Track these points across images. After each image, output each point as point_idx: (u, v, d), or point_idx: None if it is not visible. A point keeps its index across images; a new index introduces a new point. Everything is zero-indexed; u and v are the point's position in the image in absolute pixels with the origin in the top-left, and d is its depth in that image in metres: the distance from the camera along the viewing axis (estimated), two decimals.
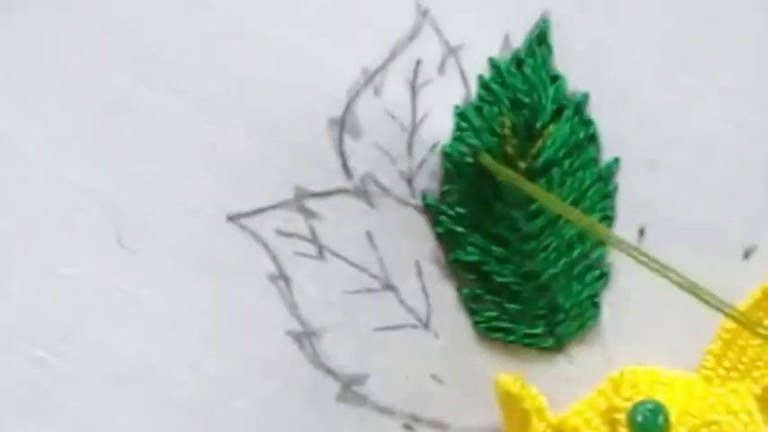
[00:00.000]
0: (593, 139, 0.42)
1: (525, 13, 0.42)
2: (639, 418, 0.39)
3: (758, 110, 0.41)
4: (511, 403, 0.39)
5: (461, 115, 0.42)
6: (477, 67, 0.42)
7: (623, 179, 0.42)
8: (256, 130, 0.41)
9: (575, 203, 0.42)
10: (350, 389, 0.41)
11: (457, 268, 0.41)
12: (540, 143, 0.42)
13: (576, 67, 0.42)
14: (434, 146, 0.42)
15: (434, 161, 0.42)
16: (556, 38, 0.42)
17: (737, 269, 0.41)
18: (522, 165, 0.41)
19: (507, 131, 0.41)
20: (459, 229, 0.41)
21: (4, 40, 0.41)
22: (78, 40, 0.41)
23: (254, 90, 0.41)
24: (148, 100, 0.41)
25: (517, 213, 0.42)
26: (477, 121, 0.42)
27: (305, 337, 0.41)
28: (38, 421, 0.40)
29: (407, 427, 0.41)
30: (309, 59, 0.41)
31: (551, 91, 0.42)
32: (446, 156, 0.42)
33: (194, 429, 0.41)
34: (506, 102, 0.42)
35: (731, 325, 0.41)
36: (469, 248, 0.41)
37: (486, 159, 0.41)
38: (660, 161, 0.42)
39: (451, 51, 0.42)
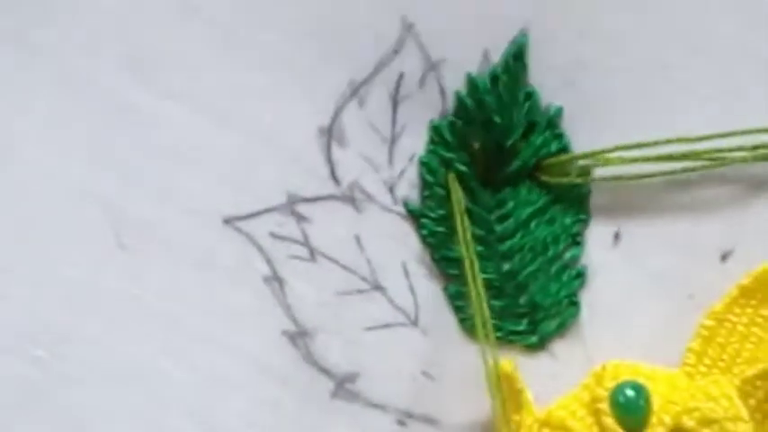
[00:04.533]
0: (564, 151, 0.43)
1: (505, 28, 0.43)
2: (621, 399, 0.39)
3: (735, 119, 0.43)
4: (505, 385, 0.40)
5: (435, 130, 0.43)
6: (459, 82, 0.43)
7: (598, 183, 0.43)
8: (251, 136, 0.43)
9: (547, 206, 0.43)
10: (343, 386, 0.42)
11: (442, 266, 0.43)
12: (508, 161, 0.43)
13: (552, 80, 0.43)
14: (413, 157, 0.43)
15: (413, 171, 0.43)
16: (534, 52, 0.43)
17: (714, 271, 0.42)
18: (490, 179, 0.43)
19: (477, 153, 0.43)
20: (442, 229, 0.43)
21: (4, 41, 0.42)
22: (78, 44, 0.42)
23: (248, 97, 0.43)
24: (146, 104, 0.42)
25: (489, 216, 0.43)
26: (450, 137, 0.43)
27: (299, 336, 0.42)
28: (38, 421, 0.40)
29: (400, 422, 0.42)
30: (300, 69, 0.43)
31: (523, 109, 0.43)
32: (424, 165, 0.43)
33: (191, 428, 0.41)
34: (479, 121, 0.43)
35: (710, 323, 0.42)
36: (453, 246, 0.43)
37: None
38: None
39: (432, 66, 0.43)
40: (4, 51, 0.42)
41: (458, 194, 0.42)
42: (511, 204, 0.43)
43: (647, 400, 0.39)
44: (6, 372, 0.41)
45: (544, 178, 0.43)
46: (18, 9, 0.42)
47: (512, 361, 0.40)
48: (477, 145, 0.43)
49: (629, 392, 0.39)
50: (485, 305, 0.41)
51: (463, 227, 0.42)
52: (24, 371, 0.41)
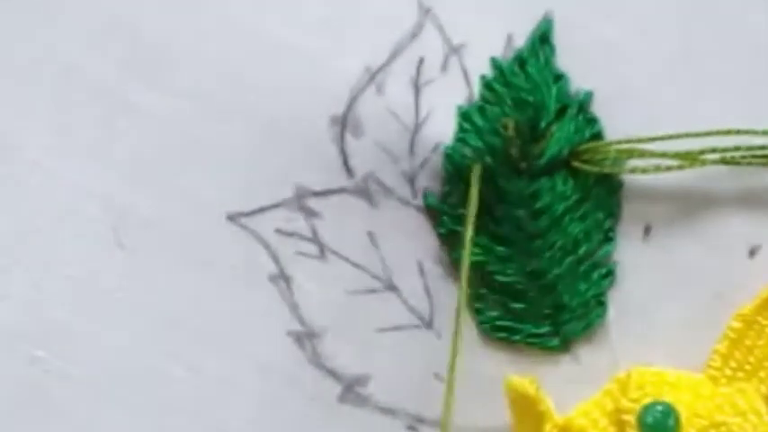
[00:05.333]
0: (598, 137, 0.41)
1: (528, 12, 0.42)
2: (650, 420, 0.39)
3: (762, 105, 0.41)
4: (524, 405, 0.39)
5: (464, 115, 0.42)
6: (480, 67, 0.42)
7: (629, 176, 0.41)
8: (257, 129, 0.42)
9: (580, 201, 0.41)
10: (352, 390, 0.41)
11: (460, 266, 0.41)
12: (543, 143, 0.41)
13: (579, 65, 0.41)
14: (436, 146, 0.42)
15: (436, 161, 0.42)
16: (559, 36, 0.42)
17: (743, 267, 0.41)
18: (524, 165, 0.41)
19: (511, 133, 0.41)
20: (462, 228, 0.41)
21: (4, 40, 0.42)
22: (78, 40, 0.42)
23: (255, 88, 0.42)
24: (149, 99, 0.42)
25: (521, 213, 0.41)
26: (480, 122, 0.41)
27: (306, 337, 0.41)
28: (38, 421, 0.41)
29: (411, 428, 0.41)
30: (311, 57, 0.42)
31: (554, 90, 0.41)
32: (448, 157, 0.41)
33: (194, 430, 0.41)
34: (509, 101, 0.41)
35: (738, 324, 0.40)
36: (472, 248, 0.41)
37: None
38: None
39: (454, 50, 0.42)
40: (4, 51, 0.42)
41: (475, 192, 0.40)
42: (547, 198, 0.41)
43: (676, 420, 0.39)
44: (6, 372, 0.41)
45: (578, 165, 0.41)
46: (19, 9, 0.42)
47: (535, 380, 0.39)
48: (511, 126, 0.41)
49: (658, 414, 0.39)
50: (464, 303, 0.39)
51: (469, 226, 0.40)
52: (24, 371, 0.41)
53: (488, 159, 0.41)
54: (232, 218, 0.41)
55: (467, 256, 0.40)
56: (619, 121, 0.41)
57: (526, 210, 0.41)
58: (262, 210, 0.41)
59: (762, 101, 0.41)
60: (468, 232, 0.40)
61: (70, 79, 0.42)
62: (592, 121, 0.42)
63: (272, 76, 0.42)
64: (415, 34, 0.42)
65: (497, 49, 0.42)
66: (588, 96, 0.41)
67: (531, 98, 0.41)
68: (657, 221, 0.41)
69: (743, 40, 0.41)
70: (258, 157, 0.41)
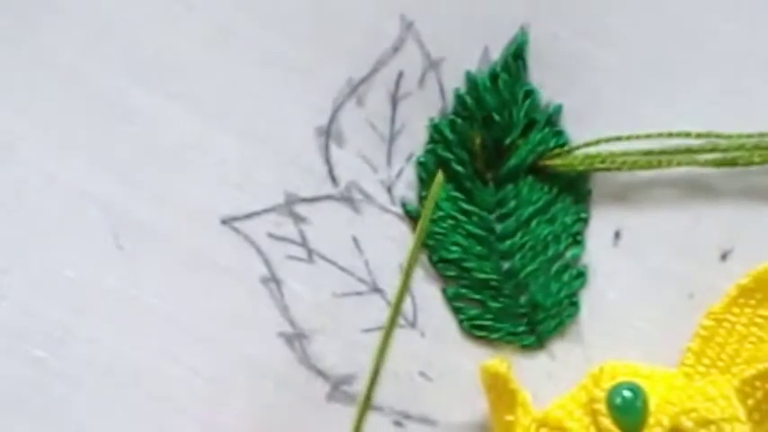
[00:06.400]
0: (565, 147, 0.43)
1: (505, 27, 0.43)
2: (618, 401, 0.39)
3: (733, 117, 0.43)
4: (498, 389, 0.40)
5: (435, 128, 0.43)
6: (459, 80, 0.43)
7: (599, 184, 0.43)
8: (249, 137, 0.43)
9: (548, 205, 0.43)
10: (339, 388, 0.42)
11: (440, 268, 0.43)
12: (507, 156, 0.43)
13: (553, 77, 0.43)
14: (410, 156, 0.43)
15: (412, 170, 0.43)
16: (535, 50, 0.43)
17: (715, 271, 0.42)
18: (490, 176, 0.43)
19: (477, 149, 0.43)
20: (440, 230, 0.43)
21: (4, 43, 0.43)
22: (77, 45, 0.43)
23: (246, 97, 0.43)
24: (146, 105, 0.43)
25: (490, 216, 0.43)
26: (449, 135, 0.43)
27: (296, 338, 0.42)
28: (38, 421, 0.41)
29: (397, 423, 0.42)
30: (298, 68, 0.43)
31: (523, 108, 0.43)
32: (421, 165, 0.43)
33: (189, 429, 0.41)
34: (479, 118, 0.43)
35: (709, 323, 0.42)
36: (451, 247, 0.43)
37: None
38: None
39: (432, 65, 0.43)
40: (4, 52, 0.43)
41: (434, 196, 0.43)
42: (512, 203, 0.43)
43: (645, 401, 0.40)
44: (6, 372, 0.41)
45: (545, 164, 0.43)
46: (18, 9, 0.43)
47: (505, 360, 0.40)
48: (478, 141, 0.43)
49: (626, 393, 0.40)
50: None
51: (422, 228, 0.42)
52: (24, 371, 0.41)
53: (457, 169, 0.43)
54: (226, 222, 0.42)
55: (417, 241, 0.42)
56: (593, 133, 0.43)
57: (494, 213, 0.43)
58: (254, 214, 0.42)
59: (734, 113, 0.43)
60: (420, 234, 0.42)
61: (70, 83, 0.42)
62: (558, 133, 0.43)
63: (263, 85, 0.43)
64: (396, 48, 0.43)
65: (474, 63, 0.43)
66: (557, 110, 0.43)
67: (498, 117, 0.43)
68: (628, 227, 0.43)
69: (716, 53, 0.43)
70: (251, 164, 0.43)
